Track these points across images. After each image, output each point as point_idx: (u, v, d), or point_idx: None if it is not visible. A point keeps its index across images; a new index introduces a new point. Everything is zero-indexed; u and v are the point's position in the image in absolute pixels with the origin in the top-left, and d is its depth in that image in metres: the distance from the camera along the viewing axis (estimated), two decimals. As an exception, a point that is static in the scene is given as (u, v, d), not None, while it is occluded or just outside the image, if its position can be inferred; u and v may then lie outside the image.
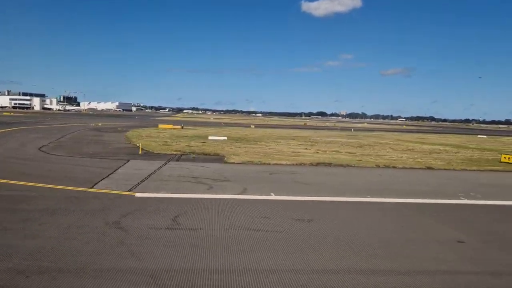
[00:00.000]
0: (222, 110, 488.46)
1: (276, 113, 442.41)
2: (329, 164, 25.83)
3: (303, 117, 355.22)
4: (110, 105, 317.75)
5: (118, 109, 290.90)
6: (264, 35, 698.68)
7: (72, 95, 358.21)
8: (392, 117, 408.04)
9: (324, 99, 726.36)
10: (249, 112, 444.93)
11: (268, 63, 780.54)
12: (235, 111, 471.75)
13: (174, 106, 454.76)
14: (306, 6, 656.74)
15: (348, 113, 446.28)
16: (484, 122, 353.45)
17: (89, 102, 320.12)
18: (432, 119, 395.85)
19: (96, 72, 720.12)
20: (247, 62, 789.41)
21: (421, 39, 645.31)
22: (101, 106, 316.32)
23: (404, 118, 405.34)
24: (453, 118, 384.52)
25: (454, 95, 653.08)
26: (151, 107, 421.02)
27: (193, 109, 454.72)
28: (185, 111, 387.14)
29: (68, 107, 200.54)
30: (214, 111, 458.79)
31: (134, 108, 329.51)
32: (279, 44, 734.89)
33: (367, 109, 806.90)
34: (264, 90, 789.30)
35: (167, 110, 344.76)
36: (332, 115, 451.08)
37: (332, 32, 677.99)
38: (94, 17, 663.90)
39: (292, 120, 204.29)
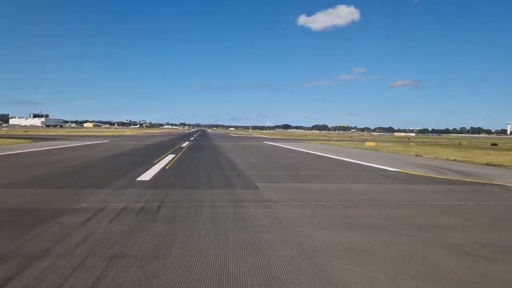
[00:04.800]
0: (176, 124, 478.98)
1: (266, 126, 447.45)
2: None
3: (250, 130, 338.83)
4: (36, 121, 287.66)
5: (42, 126, 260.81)
6: (273, 52, 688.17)
7: (44, 112, 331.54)
8: (352, 128, 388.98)
9: (338, 113, 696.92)
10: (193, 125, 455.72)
11: (282, 78, 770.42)
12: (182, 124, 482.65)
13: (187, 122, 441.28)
14: (302, 20, 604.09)
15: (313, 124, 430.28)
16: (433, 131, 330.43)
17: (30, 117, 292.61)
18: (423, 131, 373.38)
19: (104, 93, 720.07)
20: (262, 79, 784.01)
21: (425, 50, 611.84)
22: (26, 122, 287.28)
23: (355, 129, 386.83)
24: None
25: (465, 106, 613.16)
26: (120, 123, 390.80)
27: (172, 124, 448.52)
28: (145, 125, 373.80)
29: None
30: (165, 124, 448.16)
31: (91, 124, 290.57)
32: (288, 60, 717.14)
33: (380, 122, 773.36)
34: (278, 105, 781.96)
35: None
36: (296, 127, 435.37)
37: (339, 46, 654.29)
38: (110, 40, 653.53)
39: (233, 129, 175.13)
